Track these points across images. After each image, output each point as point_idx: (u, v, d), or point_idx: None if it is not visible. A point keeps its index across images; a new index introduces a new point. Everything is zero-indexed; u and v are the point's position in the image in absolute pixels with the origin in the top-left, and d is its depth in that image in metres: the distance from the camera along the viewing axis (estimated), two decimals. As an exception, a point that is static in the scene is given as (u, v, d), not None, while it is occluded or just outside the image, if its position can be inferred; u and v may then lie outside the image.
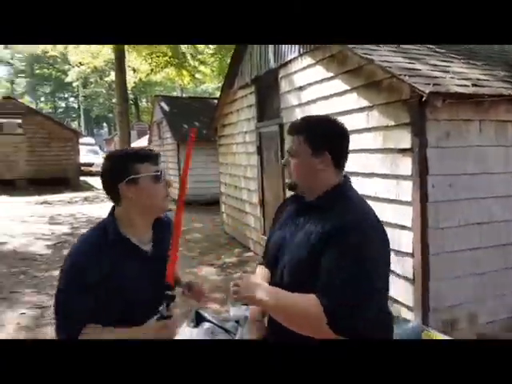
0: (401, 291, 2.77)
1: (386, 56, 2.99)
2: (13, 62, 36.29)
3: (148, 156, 1.23)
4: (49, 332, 3.38)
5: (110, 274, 1.14)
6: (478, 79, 2.76)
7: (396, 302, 2.80)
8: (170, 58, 12.81)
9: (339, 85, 3.46)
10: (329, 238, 1.07)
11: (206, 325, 1.67)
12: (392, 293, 2.78)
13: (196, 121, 9.86)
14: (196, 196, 8.96)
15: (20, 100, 17.31)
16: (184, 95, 20.84)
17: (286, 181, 1.27)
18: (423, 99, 2.44)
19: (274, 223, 1.38)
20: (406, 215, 2.66)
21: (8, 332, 3.37)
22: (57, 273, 4.77)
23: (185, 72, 13.26)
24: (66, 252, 4.65)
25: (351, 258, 1.04)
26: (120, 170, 1.19)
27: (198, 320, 1.74)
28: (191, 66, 13.55)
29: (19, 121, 13.56)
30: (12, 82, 37.97)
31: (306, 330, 1.07)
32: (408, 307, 2.72)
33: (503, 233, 2.83)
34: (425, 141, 2.54)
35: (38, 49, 19.24)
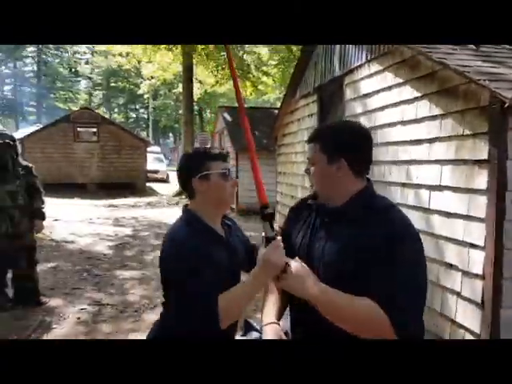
0: (467, 316, 2.56)
1: (463, 60, 2.84)
2: (92, 75, 40.34)
3: (219, 155, 1.39)
4: (103, 328, 3.62)
5: (199, 261, 1.23)
6: None
7: (461, 327, 2.60)
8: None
9: (409, 91, 3.34)
10: (381, 246, 1.08)
11: (254, 334, 1.67)
12: (457, 317, 2.63)
13: (256, 130, 10.09)
14: (249, 204, 9.22)
15: (96, 111, 19.09)
16: (246, 106, 21.49)
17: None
18: (505, 106, 2.26)
19: (286, 225, 1.38)
20: (478, 233, 2.46)
21: (68, 326, 3.64)
22: (117, 272, 5.14)
23: (248, 83, 13.69)
24: (126, 253, 4.95)
25: (407, 266, 1.08)
26: (194, 167, 1.35)
27: (247, 329, 1.75)
28: (255, 76, 13.96)
29: (94, 129, 14.96)
30: (90, 94, 42.12)
31: (363, 331, 1.08)
32: (474, 334, 2.52)
33: None
34: (505, 152, 2.33)
35: (115, 63, 21.15)
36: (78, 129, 14.78)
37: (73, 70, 39.65)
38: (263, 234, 1.14)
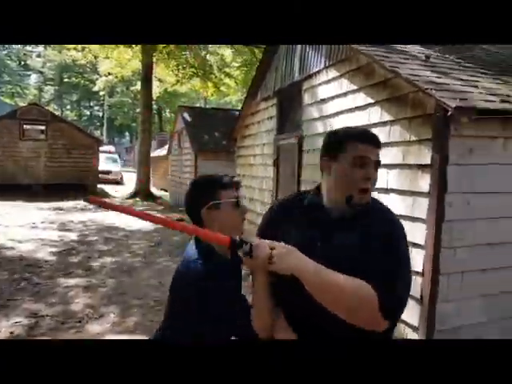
0: (407, 311, 2.74)
1: (413, 70, 3.01)
2: (43, 69, 38.59)
3: (231, 183, 1.39)
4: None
5: (215, 294, 1.24)
6: (508, 95, 2.72)
7: (401, 321, 2.78)
8: (196, 69, 13.27)
9: (363, 98, 3.50)
10: (384, 245, 1.17)
11: None
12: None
13: (216, 131, 10.13)
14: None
15: (46, 107, 18.26)
16: (207, 107, 21.48)
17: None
18: (448, 114, 2.42)
19: (271, 226, 1.35)
20: (419, 233, 2.65)
21: (-3, 343, 3.42)
22: (60, 280, 4.86)
23: (210, 84, 13.67)
24: (71, 259, 4.67)
25: (402, 261, 1.21)
26: (205, 195, 1.34)
27: None
28: (217, 78, 13.97)
29: (43, 127, 14.30)
30: (40, 90, 40.24)
31: (351, 311, 1.11)
32: (413, 327, 2.72)
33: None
34: (445, 157, 2.52)
35: (70, 58, 20.40)
36: (25, 126, 14.07)
37: (22, 63, 37.74)
38: (240, 253, 1.18)
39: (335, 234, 1.21)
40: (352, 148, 1.21)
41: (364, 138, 1.23)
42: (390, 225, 1.23)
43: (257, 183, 6.05)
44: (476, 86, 2.81)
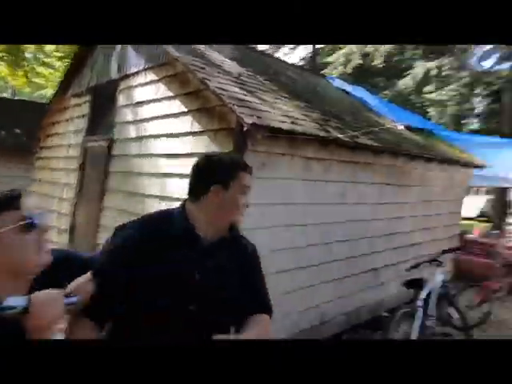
0: None
1: (223, 84, 3.14)
2: None
3: (9, 201, 0.96)
4: None
5: None
6: (297, 118, 3.11)
7: None
8: (1, 52, 11.34)
9: (178, 106, 3.49)
10: (249, 263, 1.36)
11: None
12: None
13: (16, 127, 8.73)
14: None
15: None
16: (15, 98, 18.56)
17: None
18: (244, 129, 2.58)
19: (130, 259, 1.21)
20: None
21: None
22: None
23: (20, 72, 11.86)
24: None
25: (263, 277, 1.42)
26: None
27: None
28: (29, 66, 12.23)
29: None
30: None
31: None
32: None
33: (304, 257, 3.40)
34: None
35: None
36: None
37: None
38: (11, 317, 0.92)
39: (213, 263, 1.24)
40: (241, 176, 1.27)
41: (246, 166, 1.31)
42: (254, 250, 1.41)
43: (57, 191, 5.38)
44: (273, 107, 3.11)
